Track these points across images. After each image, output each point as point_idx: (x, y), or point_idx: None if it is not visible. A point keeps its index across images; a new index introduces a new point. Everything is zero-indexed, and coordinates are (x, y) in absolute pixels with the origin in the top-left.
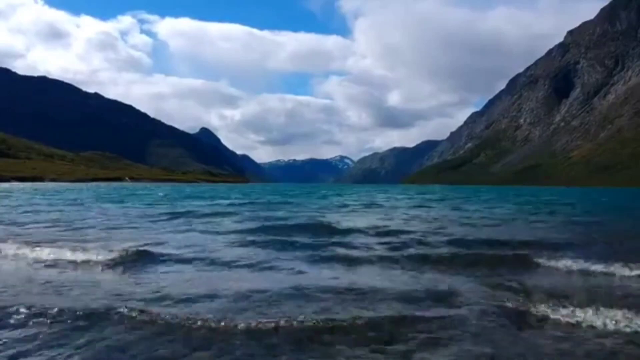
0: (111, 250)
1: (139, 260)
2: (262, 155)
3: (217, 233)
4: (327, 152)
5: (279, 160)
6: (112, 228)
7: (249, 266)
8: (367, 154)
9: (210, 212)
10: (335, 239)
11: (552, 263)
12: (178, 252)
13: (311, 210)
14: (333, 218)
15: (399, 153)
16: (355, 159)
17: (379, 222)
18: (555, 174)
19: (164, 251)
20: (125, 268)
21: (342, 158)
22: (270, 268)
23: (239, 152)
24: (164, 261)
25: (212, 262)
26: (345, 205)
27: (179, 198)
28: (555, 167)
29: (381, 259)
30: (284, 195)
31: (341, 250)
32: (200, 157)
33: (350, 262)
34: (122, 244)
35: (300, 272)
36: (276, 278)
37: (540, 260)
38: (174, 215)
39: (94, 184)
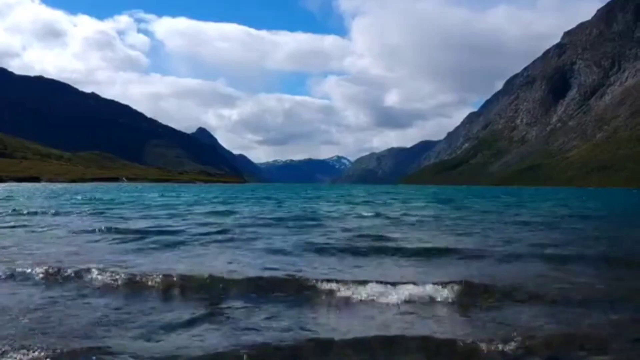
0: None
1: None
2: (260, 155)
3: None
4: (325, 152)
5: (276, 161)
6: None
7: None
8: (364, 154)
9: None
10: None
11: None
12: None
13: None
14: None
15: (397, 153)
16: (353, 159)
17: None
18: (552, 174)
19: None
20: None
21: (339, 158)
22: None
23: (236, 152)
24: None
25: None
26: None
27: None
28: (552, 167)
29: None
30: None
31: None
32: (197, 157)
33: None
34: None
35: None
36: None
37: None
38: None
39: (93, 183)
